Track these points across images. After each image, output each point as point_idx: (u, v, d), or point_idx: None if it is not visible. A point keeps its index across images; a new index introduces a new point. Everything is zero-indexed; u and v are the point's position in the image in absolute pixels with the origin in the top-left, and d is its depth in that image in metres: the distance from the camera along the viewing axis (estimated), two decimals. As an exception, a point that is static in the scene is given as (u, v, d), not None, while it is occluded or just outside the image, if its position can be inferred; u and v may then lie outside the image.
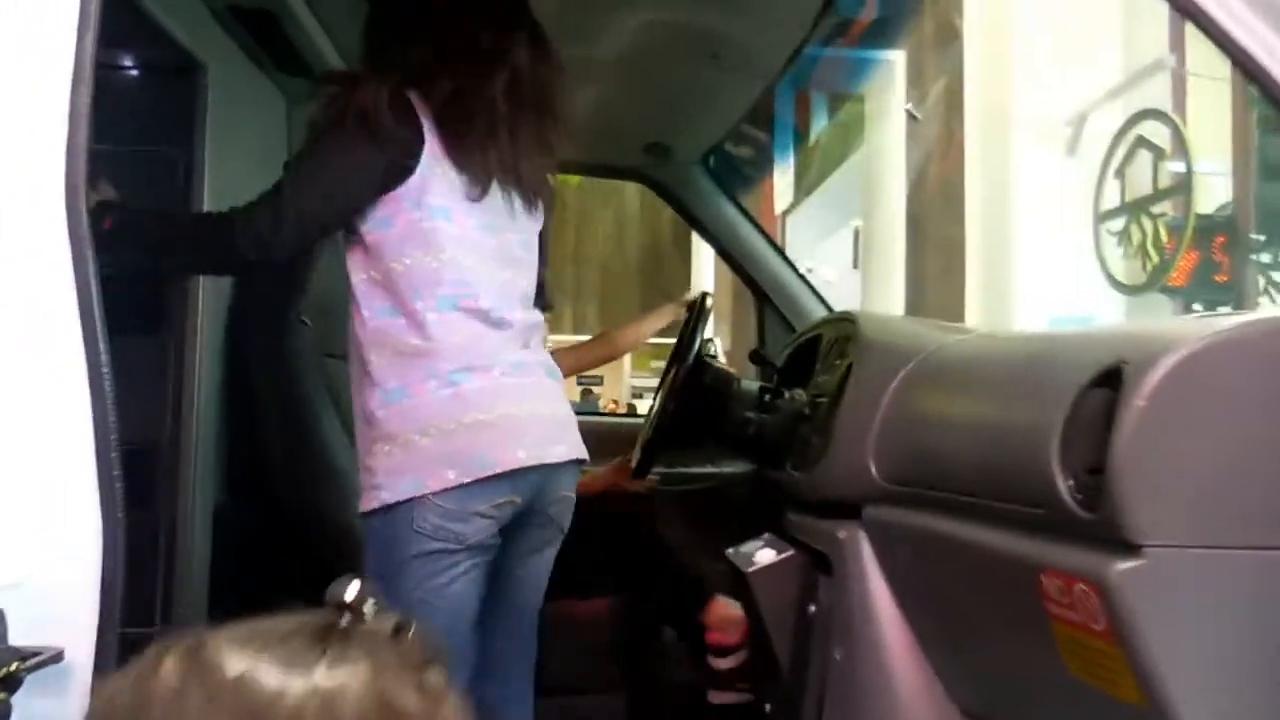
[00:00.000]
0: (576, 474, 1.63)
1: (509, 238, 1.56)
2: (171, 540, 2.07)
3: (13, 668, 0.75)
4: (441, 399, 1.45)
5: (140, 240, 1.50)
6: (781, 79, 2.26)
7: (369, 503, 1.46)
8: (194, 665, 0.53)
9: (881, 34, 6.59)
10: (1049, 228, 5.89)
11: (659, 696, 2.19)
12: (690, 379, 2.13)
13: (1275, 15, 0.98)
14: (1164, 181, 5.53)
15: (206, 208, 1.91)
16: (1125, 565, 0.86)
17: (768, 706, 1.70)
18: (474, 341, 1.48)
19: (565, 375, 1.93)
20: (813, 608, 1.50)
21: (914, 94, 6.19)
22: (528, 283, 1.61)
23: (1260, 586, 0.87)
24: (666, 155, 2.52)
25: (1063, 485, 0.94)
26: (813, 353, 2.00)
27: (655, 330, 2.31)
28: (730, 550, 1.73)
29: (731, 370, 2.19)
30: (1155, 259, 5.48)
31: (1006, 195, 6.03)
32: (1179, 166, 5.44)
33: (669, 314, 2.26)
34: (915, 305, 6.24)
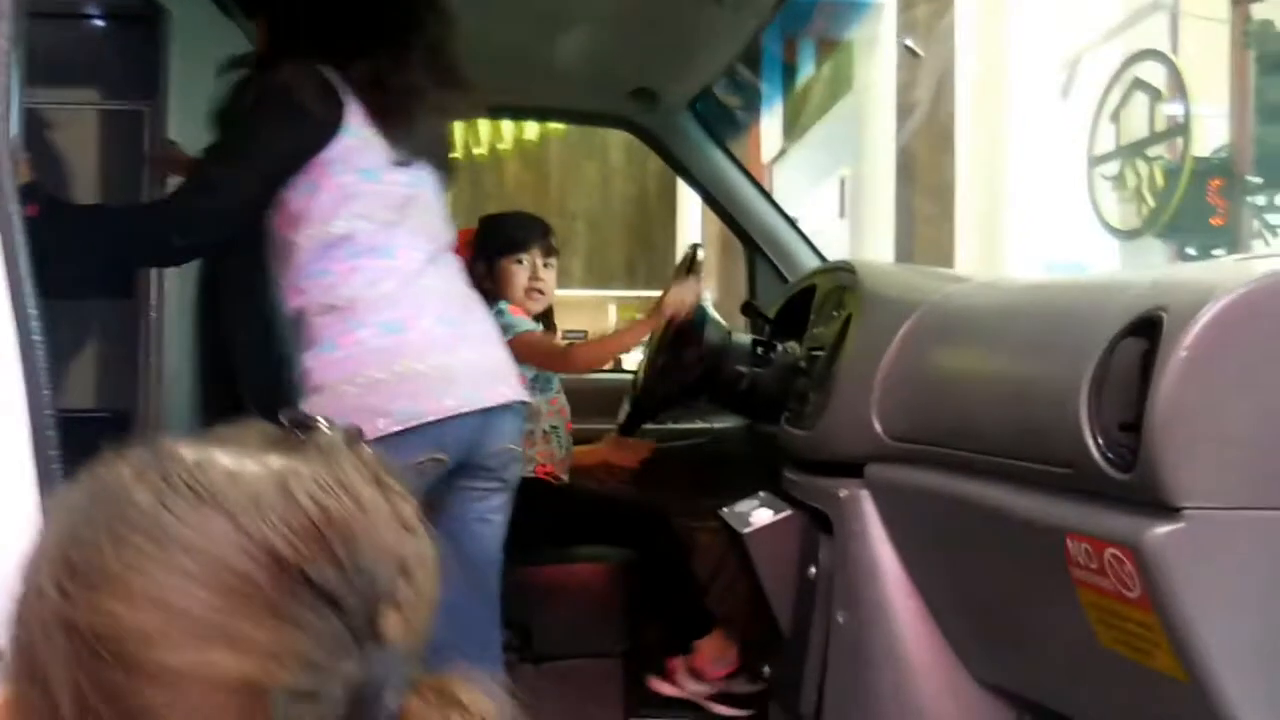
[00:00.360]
0: (520, 422, 1.67)
1: (429, 197, 1.62)
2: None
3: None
4: (372, 349, 1.49)
5: (69, 235, 1.46)
6: (773, 19, 2.16)
7: None
8: (151, 456, 0.52)
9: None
10: (1042, 172, 5.79)
11: (657, 659, 2.14)
12: (681, 333, 2.06)
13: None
14: (1160, 124, 5.43)
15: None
16: (1163, 529, 0.80)
17: (766, 669, 1.65)
18: (403, 293, 1.53)
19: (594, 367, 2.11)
20: (813, 569, 1.44)
21: (905, 36, 6.05)
22: (450, 238, 1.68)
23: (1308, 550, 0.80)
24: (653, 101, 2.42)
25: (1092, 443, 0.86)
26: (807, 304, 1.92)
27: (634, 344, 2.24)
28: (725, 510, 1.66)
29: (724, 323, 2.12)
30: (1151, 203, 5.40)
31: (1000, 139, 5.92)
32: (1176, 108, 5.34)
33: (644, 328, 2.18)
34: (905, 253, 6.15)
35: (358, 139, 1.52)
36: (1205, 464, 0.79)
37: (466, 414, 1.52)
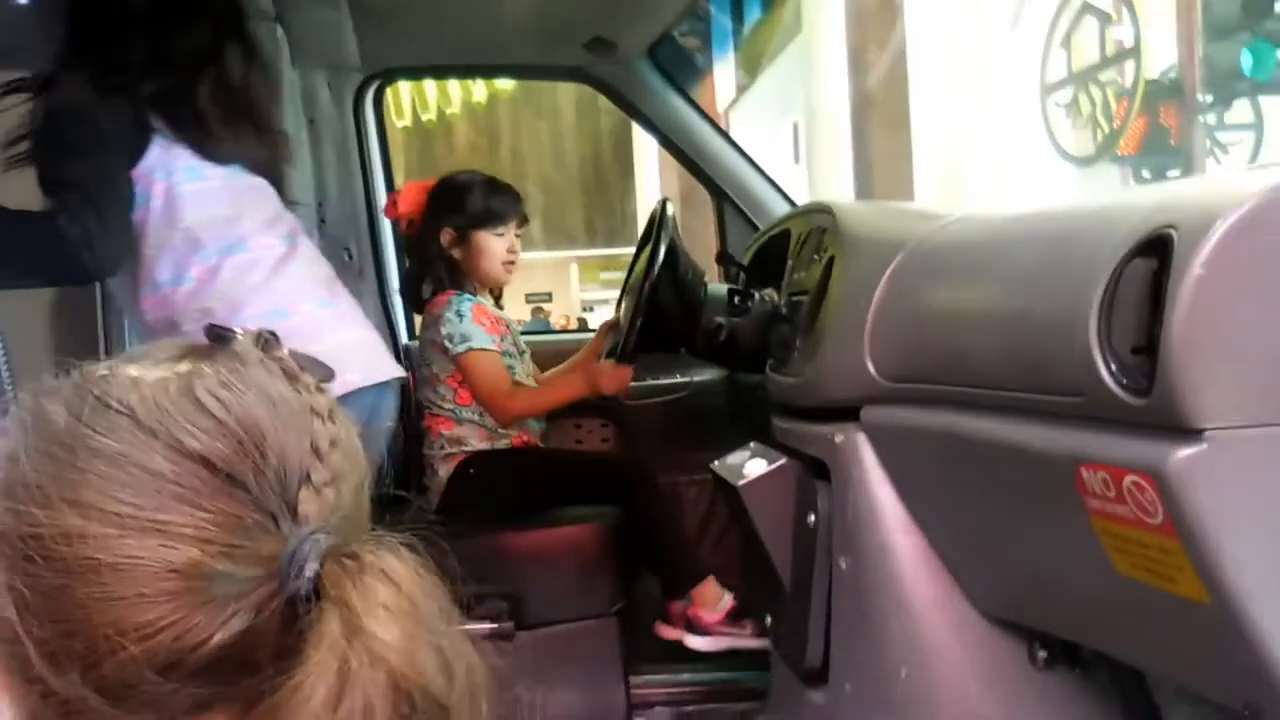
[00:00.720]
0: (397, 398, 1.73)
1: (261, 185, 1.66)
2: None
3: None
4: None
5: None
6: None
7: None
8: (65, 378, 0.55)
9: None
10: (997, 104, 5.78)
11: (653, 613, 2.13)
12: (657, 287, 2.02)
13: None
14: (1110, 49, 5.44)
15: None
16: (1185, 452, 0.78)
17: (769, 619, 1.64)
18: (274, 282, 1.57)
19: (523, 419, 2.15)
20: (812, 517, 1.42)
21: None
22: (296, 219, 1.72)
23: (1333, 464, 0.79)
24: (610, 51, 2.36)
25: (1104, 369, 0.84)
26: (779, 251, 1.90)
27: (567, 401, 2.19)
28: (716, 463, 1.64)
29: (700, 272, 2.09)
30: (1105, 128, 5.41)
31: (952, 74, 5.90)
32: (1125, 31, 5.34)
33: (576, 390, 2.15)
34: (865, 193, 6.14)
35: (166, 142, 1.55)
36: (1225, 383, 0.77)
37: (364, 389, 1.57)
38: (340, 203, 2.50)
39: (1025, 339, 0.96)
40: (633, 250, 2.18)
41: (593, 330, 2.47)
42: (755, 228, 2.41)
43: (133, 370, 0.55)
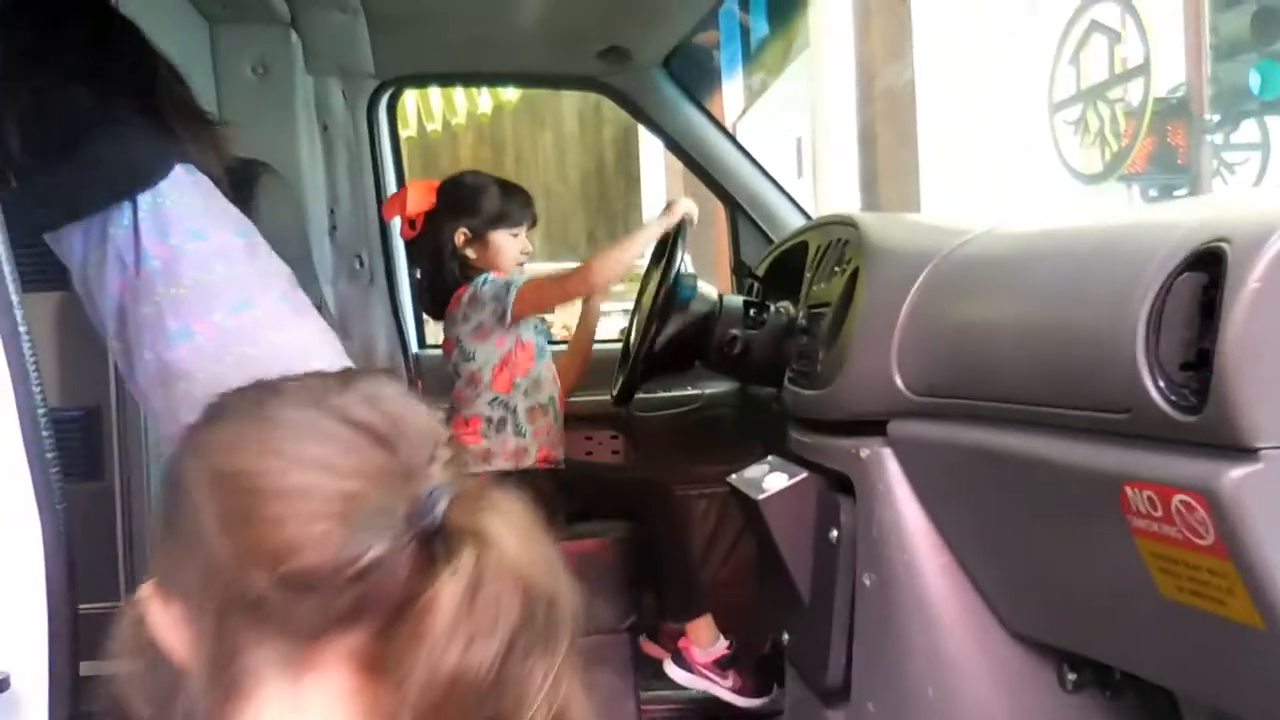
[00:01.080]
0: None
1: (208, 183, 1.67)
2: (128, 509, 1.93)
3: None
4: (230, 329, 1.55)
5: None
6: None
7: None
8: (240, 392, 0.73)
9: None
10: (1004, 121, 5.78)
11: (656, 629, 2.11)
12: (672, 298, 2.00)
13: None
14: (1119, 66, 5.44)
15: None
16: (1240, 471, 0.76)
17: (786, 637, 1.61)
18: (237, 274, 1.60)
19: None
20: (834, 532, 1.40)
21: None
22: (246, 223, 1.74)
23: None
24: (626, 60, 2.35)
25: (1152, 386, 0.82)
26: (794, 263, 1.88)
27: (641, 250, 2.17)
28: (734, 477, 1.62)
29: (712, 287, 2.07)
30: (1114, 146, 5.41)
31: (960, 90, 5.90)
32: (1134, 49, 5.34)
33: (654, 230, 2.12)
34: (871, 207, 6.13)
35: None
36: (1281, 400, 0.75)
37: None
38: (352, 210, 2.49)
39: (1065, 354, 0.94)
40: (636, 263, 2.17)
41: (603, 341, 2.44)
42: (768, 239, 2.39)
43: (301, 379, 0.72)
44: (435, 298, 2.22)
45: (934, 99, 6.03)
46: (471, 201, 2.15)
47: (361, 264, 2.47)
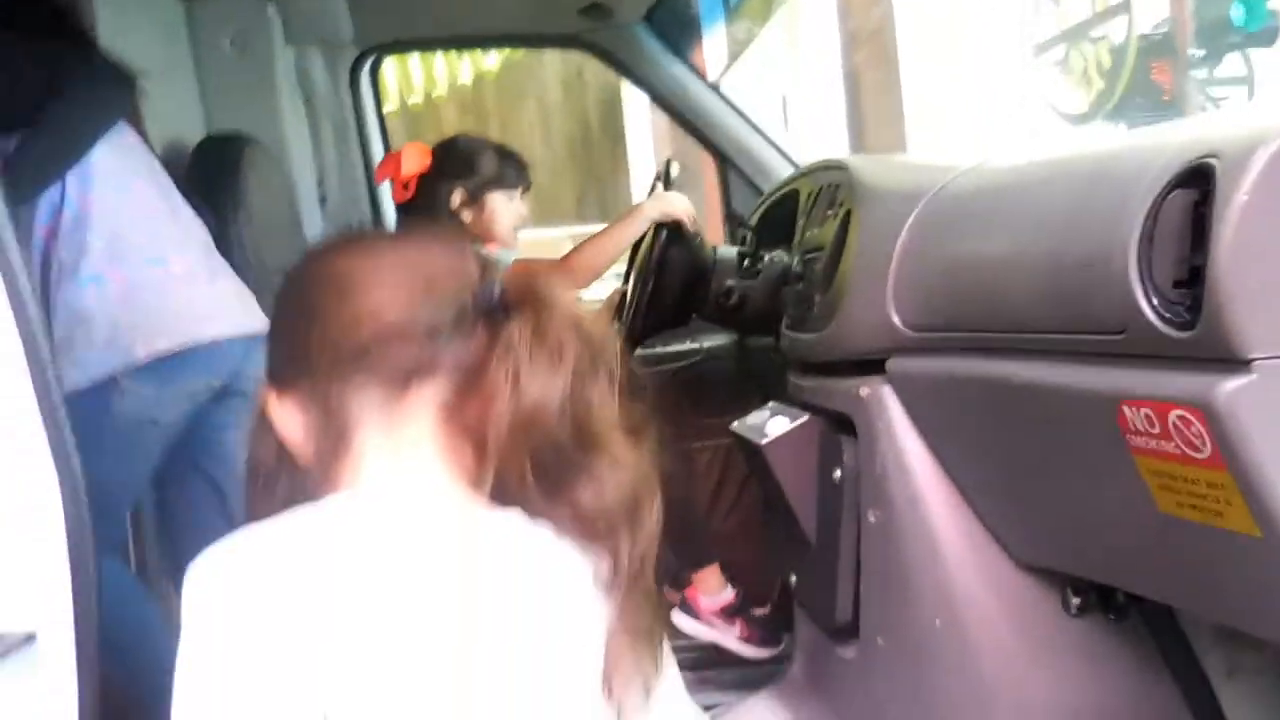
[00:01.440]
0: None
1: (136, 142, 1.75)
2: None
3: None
4: (141, 280, 1.59)
5: None
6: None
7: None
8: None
9: None
10: (987, 63, 5.75)
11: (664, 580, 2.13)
12: (666, 253, 2.00)
13: None
14: (1101, 4, 5.40)
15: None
16: (1234, 383, 0.77)
17: (794, 579, 1.63)
18: (155, 227, 1.66)
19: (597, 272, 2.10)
20: (838, 472, 1.42)
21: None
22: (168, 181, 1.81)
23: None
24: (607, 16, 2.34)
25: (1146, 304, 0.83)
26: (787, 211, 1.88)
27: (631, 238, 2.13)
28: (736, 424, 1.64)
29: (706, 239, 2.07)
30: (1099, 84, 5.38)
31: (942, 33, 5.86)
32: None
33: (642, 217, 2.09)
34: (858, 151, 6.10)
35: None
36: (1273, 311, 0.77)
37: (236, 338, 1.64)
38: (340, 180, 2.48)
39: (1060, 279, 0.95)
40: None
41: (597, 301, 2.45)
42: (758, 191, 2.39)
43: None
44: None
45: (916, 44, 5.99)
46: (468, 162, 2.13)
47: (354, 233, 2.47)
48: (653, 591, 0.84)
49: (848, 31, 5.81)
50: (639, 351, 2.17)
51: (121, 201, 1.63)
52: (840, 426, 1.42)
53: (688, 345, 2.44)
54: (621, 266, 2.23)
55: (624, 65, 2.46)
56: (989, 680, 1.24)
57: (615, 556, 0.80)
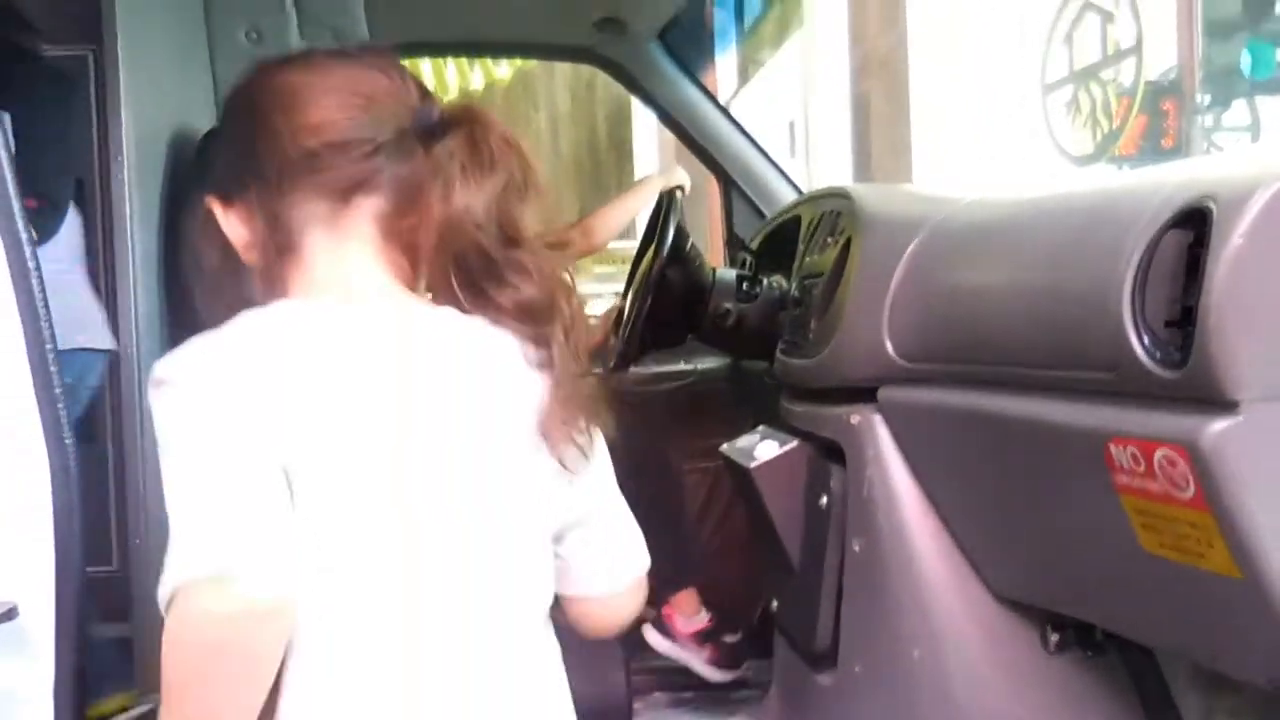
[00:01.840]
0: (106, 369, 1.98)
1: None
2: (121, 474, 1.94)
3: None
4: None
5: None
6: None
7: None
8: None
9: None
10: (996, 100, 5.78)
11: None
12: (665, 272, 2.01)
13: None
14: (1111, 47, 5.44)
15: (125, 112, 1.76)
16: (1221, 424, 0.77)
17: (775, 604, 1.63)
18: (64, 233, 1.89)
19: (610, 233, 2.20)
20: (824, 499, 1.42)
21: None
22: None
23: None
24: (621, 31, 2.35)
25: (1137, 343, 0.84)
26: (789, 236, 1.89)
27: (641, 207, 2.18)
28: (725, 446, 1.64)
29: (706, 260, 2.08)
30: (1105, 127, 5.42)
31: (953, 70, 5.90)
32: (1126, 30, 5.34)
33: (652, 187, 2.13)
34: (863, 180, 6.13)
35: None
36: (1262, 354, 0.77)
37: (89, 350, 1.88)
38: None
39: (1054, 315, 0.96)
40: (626, 244, 2.17)
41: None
42: (761, 214, 2.40)
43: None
44: None
45: (927, 79, 6.03)
46: None
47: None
48: (585, 369, 0.91)
49: (858, 60, 5.85)
50: (633, 369, 2.17)
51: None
52: (829, 453, 1.42)
53: (682, 365, 2.44)
54: (620, 285, 2.23)
55: (634, 81, 2.47)
56: (964, 713, 1.23)
57: (541, 342, 0.88)
